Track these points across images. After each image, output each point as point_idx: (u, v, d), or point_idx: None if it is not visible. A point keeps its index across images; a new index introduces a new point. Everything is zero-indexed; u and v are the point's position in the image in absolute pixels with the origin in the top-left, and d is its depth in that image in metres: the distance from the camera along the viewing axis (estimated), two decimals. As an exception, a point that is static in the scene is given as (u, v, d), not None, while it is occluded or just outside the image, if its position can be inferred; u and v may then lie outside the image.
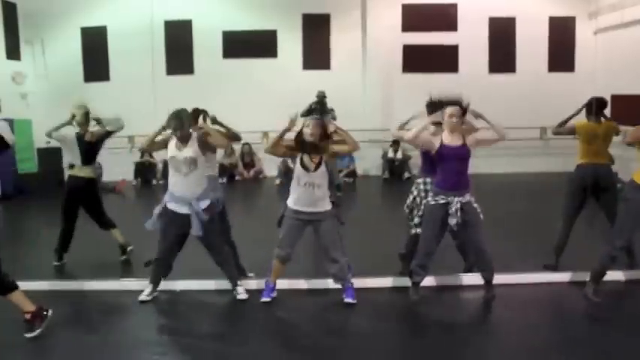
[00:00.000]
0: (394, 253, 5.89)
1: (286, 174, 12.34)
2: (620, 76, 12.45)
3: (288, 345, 4.50)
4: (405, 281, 5.40)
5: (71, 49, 13.59)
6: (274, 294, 5.31)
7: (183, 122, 5.13)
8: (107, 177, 12.09)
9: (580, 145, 5.87)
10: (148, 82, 13.60)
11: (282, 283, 5.45)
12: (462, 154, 5.00)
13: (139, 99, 13.25)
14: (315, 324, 4.93)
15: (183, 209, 5.13)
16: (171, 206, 5.19)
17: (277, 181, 12.78)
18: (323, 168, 5.03)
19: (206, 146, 5.16)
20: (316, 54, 13.93)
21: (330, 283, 5.38)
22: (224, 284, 5.51)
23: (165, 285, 5.54)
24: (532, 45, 13.75)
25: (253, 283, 5.60)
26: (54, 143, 12.75)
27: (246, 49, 13.71)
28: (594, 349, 4.27)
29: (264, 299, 5.24)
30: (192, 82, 13.63)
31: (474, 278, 5.50)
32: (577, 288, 5.39)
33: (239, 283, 5.40)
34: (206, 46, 13.77)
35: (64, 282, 5.92)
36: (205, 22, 13.74)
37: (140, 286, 5.48)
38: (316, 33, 13.96)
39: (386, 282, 5.67)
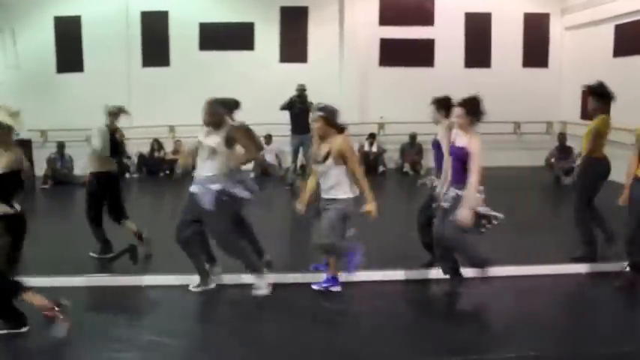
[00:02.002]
0: (382, 247, 5.95)
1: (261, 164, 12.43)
2: (589, 73, 12.62)
3: (254, 344, 4.45)
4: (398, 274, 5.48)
5: (44, 39, 13.27)
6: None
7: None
8: (79, 170, 11.91)
9: (599, 141, 6.01)
10: (123, 73, 13.39)
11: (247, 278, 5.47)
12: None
13: (113, 91, 12.96)
14: (288, 319, 4.95)
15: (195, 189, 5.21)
16: (192, 188, 5.28)
17: (252, 175, 12.73)
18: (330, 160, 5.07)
19: (232, 143, 5.23)
20: (293, 47, 13.87)
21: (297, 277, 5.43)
22: (190, 280, 5.45)
23: (132, 281, 5.56)
24: (507, 41, 13.84)
25: (224, 279, 5.60)
26: (24, 135, 12.65)
27: (223, 42, 13.59)
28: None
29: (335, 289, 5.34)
30: (168, 74, 13.50)
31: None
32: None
33: (261, 276, 5.29)
34: (182, 37, 13.60)
35: (29, 278, 5.74)
36: (182, 13, 13.57)
37: (102, 282, 5.50)
38: (293, 26, 13.89)
39: (376, 275, 5.73)
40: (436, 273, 5.65)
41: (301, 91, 11.45)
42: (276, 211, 9.37)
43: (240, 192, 5.26)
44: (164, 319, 4.87)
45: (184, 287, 5.43)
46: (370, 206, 5.05)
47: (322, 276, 5.43)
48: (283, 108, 11.52)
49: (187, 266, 5.39)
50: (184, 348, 4.33)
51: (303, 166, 12.30)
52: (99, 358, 4.21)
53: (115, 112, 6.47)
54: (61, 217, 7.57)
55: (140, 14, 13.50)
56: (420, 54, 13.83)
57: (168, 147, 13.42)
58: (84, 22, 13.36)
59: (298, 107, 11.18)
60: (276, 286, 5.38)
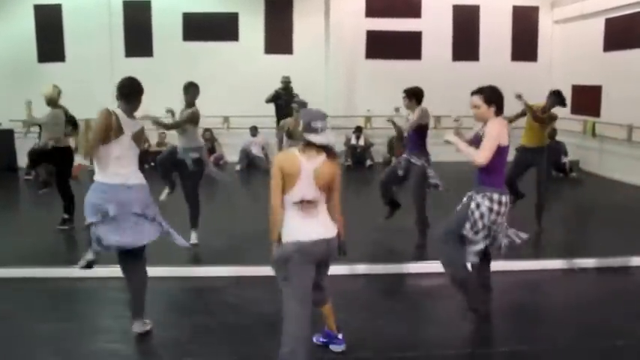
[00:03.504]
0: (368, 242, 6.01)
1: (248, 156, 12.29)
2: (579, 67, 12.62)
3: (245, 335, 4.40)
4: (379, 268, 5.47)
5: (24, 28, 12.98)
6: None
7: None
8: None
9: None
10: (106, 63, 13.12)
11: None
12: None
13: (96, 81, 12.79)
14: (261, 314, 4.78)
15: None
16: None
17: (238, 167, 12.61)
18: None
19: None
20: (278, 38, 13.70)
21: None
22: (182, 271, 5.50)
23: (120, 272, 5.40)
24: (495, 34, 13.77)
25: (217, 271, 5.54)
26: (5, 125, 12.42)
27: (207, 32, 13.39)
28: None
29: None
30: (151, 64, 13.24)
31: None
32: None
33: None
34: (166, 27, 13.38)
35: (15, 269, 5.68)
36: (165, 2, 13.34)
37: (90, 273, 5.17)
38: (278, 17, 13.71)
39: (362, 269, 5.70)
40: (423, 267, 5.63)
41: (286, 84, 11.33)
42: (263, 202, 9.26)
43: None
44: (155, 311, 4.77)
45: (174, 279, 5.45)
46: None
47: None
48: (268, 101, 11.39)
49: (178, 258, 5.44)
50: (175, 339, 4.31)
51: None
52: (90, 349, 4.18)
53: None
54: (46, 208, 7.57)
55: (122, 3, 13.26)
56: (407, 46, 13.71)
57: (153, 139, 13.20)
58: (65, 11, 13.10)
59: (283, 99, 11.04)
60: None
